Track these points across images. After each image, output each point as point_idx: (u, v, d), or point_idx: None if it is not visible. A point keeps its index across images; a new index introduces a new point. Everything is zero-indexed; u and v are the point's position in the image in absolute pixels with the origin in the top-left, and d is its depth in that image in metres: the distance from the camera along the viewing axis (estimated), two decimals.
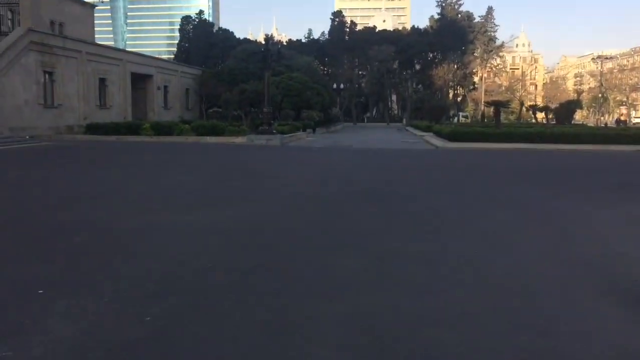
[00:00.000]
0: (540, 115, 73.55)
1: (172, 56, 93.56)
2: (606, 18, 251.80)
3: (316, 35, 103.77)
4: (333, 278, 5.64)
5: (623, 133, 29.23)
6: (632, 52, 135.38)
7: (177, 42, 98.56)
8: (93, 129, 33.15)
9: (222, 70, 60.39)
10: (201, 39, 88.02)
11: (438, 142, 31.43)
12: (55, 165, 18.95)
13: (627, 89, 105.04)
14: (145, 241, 7.28)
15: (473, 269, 6.01)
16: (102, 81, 39.36)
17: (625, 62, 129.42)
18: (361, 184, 13.70)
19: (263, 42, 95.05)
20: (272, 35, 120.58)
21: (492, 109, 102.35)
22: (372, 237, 7.70)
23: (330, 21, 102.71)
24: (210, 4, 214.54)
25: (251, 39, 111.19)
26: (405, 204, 10.74)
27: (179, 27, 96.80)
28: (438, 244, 7.27)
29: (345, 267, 6.04)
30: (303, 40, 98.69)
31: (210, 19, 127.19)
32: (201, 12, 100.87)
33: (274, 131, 31.73)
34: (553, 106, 69.71)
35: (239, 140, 31.06)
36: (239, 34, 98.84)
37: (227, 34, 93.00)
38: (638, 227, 8.96)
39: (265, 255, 6.53)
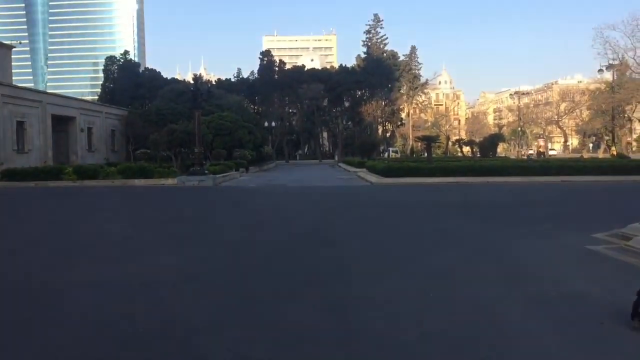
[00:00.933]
0: (466, 149, 75.99)
1: (96, 97, 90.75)
2: (520, 55, 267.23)
3: (245, 74, 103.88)
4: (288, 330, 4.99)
5: (546, 165, 30.17)
6: (545, 88, 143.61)
7: (101, 82, 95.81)
8: (10, 175, 30.97)
9: (149, 110, 58.84)
10: (127, 79, 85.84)
11: (373, 178, 31.40)
12: None
13: (543, 122, 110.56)
14: (65, 302, 6.36)
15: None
16: (20, 124, 37.25)
17: (539, 97, 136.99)
18: (303, 226, 13.10)
19: (192, 82, 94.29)
20: (200, 74, 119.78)
21: (420, 143, 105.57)
22: (324, 282, 7.10)
23: (259, 60, 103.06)
24: (136, 44, 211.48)
25: (179, 78, 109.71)
26: (352, 245, 10.23)
27: (103, 67, 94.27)
28: (400, 285, 6.75)
29: (302, 316, 5.40)
30: (232, 80, 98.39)
31: (136, 59, 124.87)
32: (126, 52, 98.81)
33: (206, 171, 30.77)
34: (477, 140, 72.13)
35: (169, 182, 29.87)
36: (167, 74, 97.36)
37: (154, 74, 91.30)
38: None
39: (207, 312, 5.79)
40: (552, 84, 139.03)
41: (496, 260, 8.69)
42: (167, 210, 17.68)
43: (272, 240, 11.04)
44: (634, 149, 78.76)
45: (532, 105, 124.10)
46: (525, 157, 69.58)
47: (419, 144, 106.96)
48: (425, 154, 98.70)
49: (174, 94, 61.07)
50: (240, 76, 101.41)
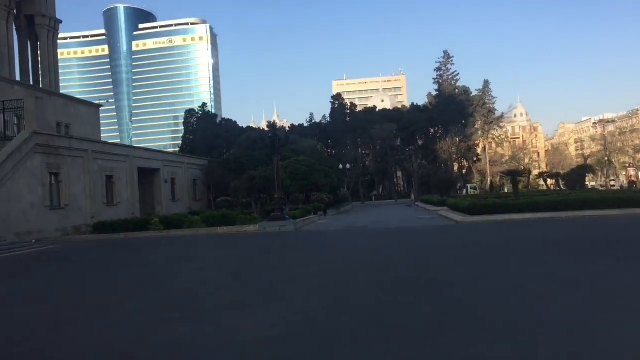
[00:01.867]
0: (550, 182, 72.83)
1: (178, 149, 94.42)
2: (598, 83, 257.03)
3: (317, 119, 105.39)
4: None
5: None
6: (630, 115, 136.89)
7: (181, 134, 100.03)
8: (100, 227, 32.21)
9: (228, 159, 60.34)
10: (205, 130, 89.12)
11: (457, 216, 30.30)
12: (62, 269, 17.81)
13: (631, 150, 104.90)
14: None
15: None
16: (109, 178, 38.90)
17: (624, 124, 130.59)
18: (397, 271, 12.49)
19: (266, 129, 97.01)
20: (274, 121, 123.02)
21: (498, 178, 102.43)
22: (436, 339, 6.48)
23: (330, 104, 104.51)
24: (212, 96, 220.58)
25: (254, 126, 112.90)
26: (458, 294, 9.52)
27: (183, 120, 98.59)
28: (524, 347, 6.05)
29: None
30: (305, 125, 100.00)
31: (213, 111, 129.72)
32: (204, 104, 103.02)
33: (287, 216, 30.75)
34: (562, 172, 69.05)
35: (251, 228, 30.04)
36: (242, 123, 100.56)
37: (230, 124, 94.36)
38: None
39: None
40: (638, 110, 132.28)
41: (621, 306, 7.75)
42: (257, 257, 17.51)
43: (373, 286, 10.49)
44: None
45: (617, 133, 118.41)
46: (619, 187, 65.92)
47: (498, 179, 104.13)
48: (505, 189, 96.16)
49: (250, 141, 62.52)
50: (313, 121, 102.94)
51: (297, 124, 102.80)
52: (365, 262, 14.44)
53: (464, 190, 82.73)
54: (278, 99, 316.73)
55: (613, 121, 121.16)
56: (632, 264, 11.55)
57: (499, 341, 6.27)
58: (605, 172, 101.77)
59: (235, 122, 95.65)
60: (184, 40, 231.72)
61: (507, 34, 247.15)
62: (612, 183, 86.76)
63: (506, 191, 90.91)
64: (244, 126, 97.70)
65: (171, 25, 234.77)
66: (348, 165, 78.80)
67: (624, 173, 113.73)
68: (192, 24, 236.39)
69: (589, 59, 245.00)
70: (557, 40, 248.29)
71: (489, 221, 26.87)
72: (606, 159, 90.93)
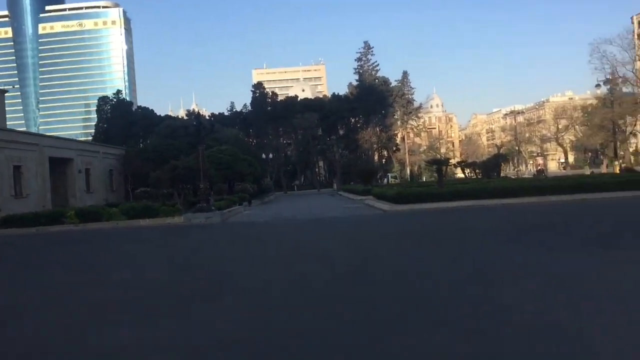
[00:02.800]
0: (467, 171, 75.34)
1: (90, 138, 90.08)
2: (508, 76, 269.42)
3: (238, 108, 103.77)
4: None
5: (563, 183, 29.43)
6: (537, 106, 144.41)
7: (94, 123, 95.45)
8: (9, 221, 29.84)
9: (146, 148, 58.10)
10: (121, 118, 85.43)
11: (384, 205, 30.50)
12: None
13: (538, 140, 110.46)
14: None
15: None
16: (17, 168, 36.27)
17: (532, 115, 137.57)
18: (339, 262, 12.11)
19: (186, 117, 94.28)
20: (193, 110, 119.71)
21: (416, 167, 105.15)
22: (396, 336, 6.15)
23: (251, 93, 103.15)
24: (127, 83, 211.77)
25: (172, 115, 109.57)
26: (402, 284, 9.28)
27: (95, 108, 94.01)
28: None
29: None
30: (226, 113, 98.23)
31: (128, 98, 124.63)
32: (119, 91, 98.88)
33: (213, 207, 29.83)
34: (478, 161, 71.68)
35: (175, 220, 28.85)
36: (159, 111, 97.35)
37: (146, 112, 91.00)
38: None
39: None
40: (544, 102, 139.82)
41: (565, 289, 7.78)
42: (185, 252, 16.66)
43: (318, 280, 10.06)
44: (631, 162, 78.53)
45: (525, 124, 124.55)
46: (532, 176, 69.26)
47: (417, 168, 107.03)
48: (424, 178, 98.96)
49: (169, 130, 60.47)
50: (234, 109, 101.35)
51: (217, 113, 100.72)
52: (302, 254, 14.01)
53: (385, 180, 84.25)
54: (197, 87, 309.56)
55: (522, 112, 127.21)
56: (553, 248, 11.82)
57: (468, 330, 6.03)
58: (515, 161, 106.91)
59: (152, 111, 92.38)
60: (96, 24, 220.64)
61: (425, 25, 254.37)
62: (522, 171, 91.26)
63: (424, 180, 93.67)
64: (162, 114, 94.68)
65: (81, 8, 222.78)
66: (271, 155, 78.08)
67: (531, 162, 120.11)
68: (104, 7, 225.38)
69: (500, 52, 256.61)
70: (470, 32, 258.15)
71: (416, 209, 27.22)
72: (517, 148, 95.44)
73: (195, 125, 29.90)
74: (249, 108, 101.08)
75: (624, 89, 63.89)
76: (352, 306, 7.75)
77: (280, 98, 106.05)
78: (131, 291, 10.14)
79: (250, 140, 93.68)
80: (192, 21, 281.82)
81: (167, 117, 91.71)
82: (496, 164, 58.89)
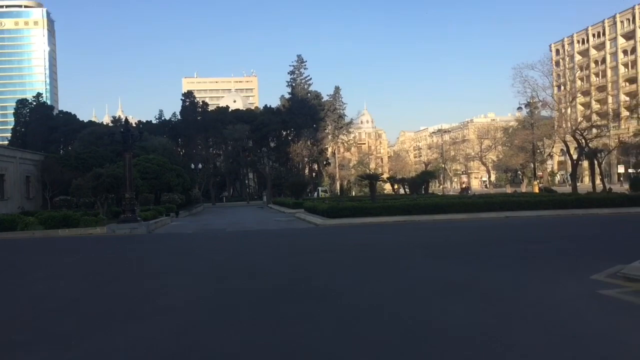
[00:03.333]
0: (395, 186, 76.61)
1: (7, 142, 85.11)
2: (436, 96, 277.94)
3: (167, 116, 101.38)
4: None
5: (490, 201, 30.29)
6: (462, 126, 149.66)
7: (11, 126, 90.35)
8: None
9: (68, 154, 55.36)
10: (40, 123, 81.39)
11: (316, 219, 30.28)
12: None
13: (461, 159, 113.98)
14: None
15: None
16: None
17: (456, 135, 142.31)
18: (272, 277, 11.65)
19: (111, 124, 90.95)
20: (119, 116, 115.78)
21: (346, 181, 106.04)
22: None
23: (181, 102, 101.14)
24: (48, 87, 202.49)
25: (96, 121, 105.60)
26: (340, 300, 8.97)
27: (13, 111, 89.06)
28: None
29: None
30: (154, 122, 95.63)
31: (49, 102, 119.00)
32: (39, 94, 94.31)
33: (139, 218, 28.57)
34: (407, 177, 73.09)
35: (98, 231, 27.40)
36: (83, 117, 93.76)
37: (69, 117, 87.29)
38: None
39: None
40: (468, 122, 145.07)
41: (528, 315, 7.74)
42: (106, 265, 15.66)
43: (252, 297, 9.57)
44: (548, 182, 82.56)
45: (450, 143, 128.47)
46: (457, 193, 71.32)
47: (346, 182, 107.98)
48: (353, 193, 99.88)
49: (94, 137, 58.02)
50: (163, 118, 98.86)
51: (145, 121, 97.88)
52: (232, 269, 13.35)
53: (315, 193, 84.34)
54: (123, 93, 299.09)
55: (448, 131, 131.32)
56: (473, 265, 11.92)
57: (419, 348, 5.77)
58: (441, 179, 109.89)
59: (74, 116, 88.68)
60: (16, 23, 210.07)
61: (358, 42, 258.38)
62: (447, 188, 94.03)
63: (354, 194, 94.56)
64: (85, 120, 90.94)
65: (1, 7, 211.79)
66: (200, 165, 76.45)
67: (456, 179, 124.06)
68: (26, 6, 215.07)
69: (428, 72, 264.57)
70: (400, 52, 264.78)
71: (348, 224, 27.14)
72: (442, 166, 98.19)
73: (123, 132, 28.60)
74: (179, 117, 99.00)
75: (544, 113, 67.38)
76: (282, 324, 7.34)
77: (211, 108, 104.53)
78: (38, 310, 9.24)
79: (179, 149, 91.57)
80: (121, 26, 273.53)
81: (91, 123, 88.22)
82: (424, 181, 60.19)
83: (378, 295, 9.17)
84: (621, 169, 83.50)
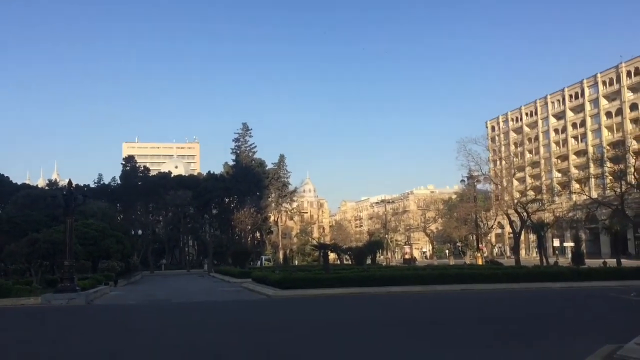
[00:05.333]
0: (333, 256, 75.90)
1: None
2: (377, 167, 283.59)
3: (106, 180, 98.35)
4: None
5: (446, 273, 30.11)
6: (402, 197, 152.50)
7: None
8: None
9: None
10: None
11: (267, 290, 29.06)
12: None
13: (402, 229, 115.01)
14: None
15: None
16: None
17: (397, 205, 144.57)
18: None
19: (47, 188, 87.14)
20: (55, 179, 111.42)
21: (288, 251, 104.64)
22: None
23: (121, 166, 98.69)
24: None
25: (30, 184, 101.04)
26: None
27: None
28: None
29: None
30: (92, 186, 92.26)
31: None
32: None
33: (77, 287, 26.56)
34: (353, 246, 72.69)
35: (31, 301, 25.17)
36: (16, 179, 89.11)
37: (1, 179, 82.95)
38: None
39: None
40: (409, 194, 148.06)
41: None
42: (39, 342, 14.03)
43: None
44: (485, 254, 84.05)
45: (391, 213, 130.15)
46: (401, 264, 71.29)
47: (288, 251, 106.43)
48: (296, 262, 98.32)
49: (29, 199, 55.21)
50: (102, 182, 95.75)
51: (82, 185, 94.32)
52: (186, 349, 12.05)
53: (259, 262, 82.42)
54: (59, 156, 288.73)
55: (391, 202, 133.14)
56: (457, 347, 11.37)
57: None
58: (384, 249, 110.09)
59: (7, 178, 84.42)
60: None
61: (301, 112, 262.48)
62: (390, 259, 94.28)
63: (297, 263, 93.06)
64: (19, 183, 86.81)
65: None
66: (140, 232, 73.63)
67: (398, 250, 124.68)
68: None
69: (368, 143, 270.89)
70: (341, 122, 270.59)
71: (302, 295, 26.11)
72: (386, 236, 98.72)
73: (65, 195, 26.97)
74: (118, 181, 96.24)
75: (481, 186, 69.80)
76: None
77: (152, 173, 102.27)
78: None
79: (118, 215, 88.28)
80: (55, 86, 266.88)
81: (26, 185, 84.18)
82: (371, 251, 59.92)
83: None
84: (556, 243, 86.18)
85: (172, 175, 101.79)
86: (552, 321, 15.75)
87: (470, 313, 18.42)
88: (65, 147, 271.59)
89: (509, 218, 55.27)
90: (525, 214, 51.00)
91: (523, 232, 57.41)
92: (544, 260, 48.71)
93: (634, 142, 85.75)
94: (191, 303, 25.54)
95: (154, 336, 14.50)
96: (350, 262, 65.57)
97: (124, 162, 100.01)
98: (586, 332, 13.03)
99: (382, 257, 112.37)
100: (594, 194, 59.65)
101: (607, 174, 70.32)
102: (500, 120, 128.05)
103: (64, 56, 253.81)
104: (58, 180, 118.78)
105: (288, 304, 23.59)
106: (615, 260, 43.29)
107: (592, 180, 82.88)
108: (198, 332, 15.10)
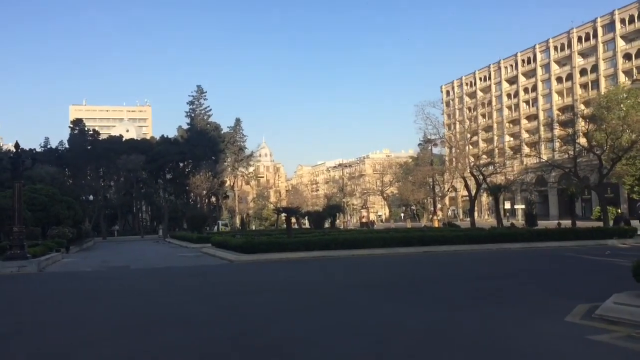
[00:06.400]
0: (294, 220, 75.82)
1: None
2: (333, 130, 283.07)
3: (53, 144, 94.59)
4: None
5: (408, 236, 30.15)
6: (358, 162, 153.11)
7: None
8: None
9: None
10: None
11: (228, 255, 28.50)
12: None
13: (358, 194, 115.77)
14: None
15: None
16: None
17: (353, 169, 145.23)
18: (214, 328, 10.04)
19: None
20: None
21: (245, 215, 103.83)
22: None
23: (69, 130, 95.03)
24: None
25: None
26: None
27: None
28: None
29: None
30: (39, 149, 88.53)
31: None
32: None
33: (28, 255, 25.34)
34: (311, 210, 72.59)
35: None
36: None
37: None
38: None
39: None
40: (364, 158, 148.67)
41: None
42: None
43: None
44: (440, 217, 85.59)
45: (347, 177, 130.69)
46: (359, 227, 71.77)
47: (245, 216, 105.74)
48: (253, 227, 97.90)
49: None
50: (49, 146, 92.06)
51: (28, 149, 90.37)
52: (160, 317, 11.35)
53: (215, 227, 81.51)
54: (1, 118, 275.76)
55: (348, 166, 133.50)
56: (427, 304, 11.19)
57: None
58: (343, 213, 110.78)
59: None
60: None
61: (257, 75, 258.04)
62: (348, 223, 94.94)
63: (254, 228, 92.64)
64: None
65: None
66: (91, 197, 71.37)
67: (355, 214, 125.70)
68: None
69: (324, 106, 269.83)
70: (296, 86, 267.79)
71: (265, 260, 25.70)
72: (343, 200, 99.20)
73: (12, 158, 25.45)
74: (67, 145, 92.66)
75: (436, 150, 70.50)
76: None
77: (102, 137, 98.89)
78: None
79: (68, 180, 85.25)
80: None
81: None
82: (331, 214, 59.91)
83: (359, 351, 7.98)
84: (507, 205, 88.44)
85: (124, 139, 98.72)
86: (523, 280, 15.81)
87: (440, 274, 18.36)
88: (7, 109, 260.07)
89: (465, 181, 55.97)
90: (481, 177, 51.68)
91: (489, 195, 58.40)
92: (500, 222, 49.72)
93: (582, 106, 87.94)
94: (151, 269, 24.75)
95: (116, 303, 13.73)
96: (308, 226, 65.54)
97: (71, 126, 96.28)
98: (560, 291, 13.04)
99: (339, 221, 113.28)
100: (544, 158, 60.93)
101: (557, 138, 72.16)
102: (455, 85, 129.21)
103: (5, 13, 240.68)
104: (1, 144, 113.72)
105: (252, 268, 23.10)
106: (569, 221, 44.48)
107: (542, 144, 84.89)
108: (162, 298, 14.39)
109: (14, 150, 27.27)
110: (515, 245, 28.98)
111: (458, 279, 16.42)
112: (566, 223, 45.91)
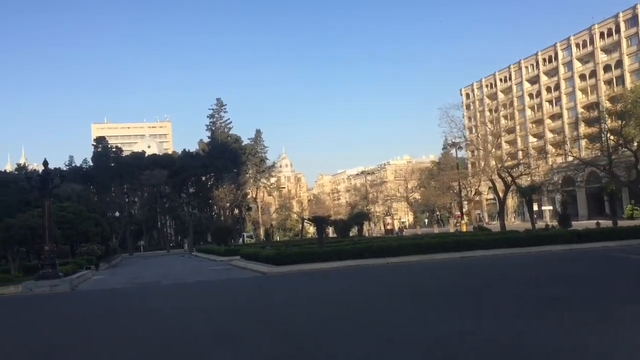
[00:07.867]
0: (313, 230, 75.15)
1: None
2: (351, 139, 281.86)
3: (77, 162, 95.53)
4: None
5: (444, 242, 29.31)
6: (379, 169, 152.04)
7: None
8: None
9: None
10: None
11: (260, 267, 27.98)
12: None
13: (380, 201, 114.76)
14: None
15: None
16: None
17: (374, 177, 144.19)
18: (263, 348, 9.47)
19: (15, 172, 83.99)
20: (24, 164, 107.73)
21: (268, 226, 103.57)
22: None
23: (92, 148, 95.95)
24: None
25: None
26: None
27: None
28: None
29: None
30: (64, 168, 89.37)
31: None
32: None
33: (60, 273, 25.08)
34: (338, 219, 71.87)
35: (11, 290, 23.73)
36: None
37: None
38: None
39: None
40: (386, 164, 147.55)
41: None
42: (26, 335, 12.70)
43: None
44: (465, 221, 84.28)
45: (369, 185, 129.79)
46: (383, 234, 70.91)
47: (268, 227, 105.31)
48: (277, 238, 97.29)
49: None
50: (73, 164, 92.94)
51: (53, 168, 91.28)
52: (196, 334, 10.90)
53: (240, 239, 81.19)
54: (26, 140, 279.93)
55: (371, 173, 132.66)
56: (504, 315, 10.42)
57: None
58: (369, 221, 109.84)
59: None
60: None
61: (276, 86, 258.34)
62: (372, 230, 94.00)
63: (278, 239, 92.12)
64: None
65: None
66: (117, 214, 71.64)
67: (380, 221, 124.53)
68: None
69: (342, 115, 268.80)
70: (315, 96, 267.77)
71: (299, 271, 25.05)
72: (367, 208, 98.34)
73: (41, 176, 25.28)
74: (90, 163, 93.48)
75: (461, 153, 69.40)
76: None
77: (124, 154, 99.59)
78: None
79: (93, 197, 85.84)
80: (18, 69, 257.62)
81: None
82: (357, 223, 59.16)
83: None
84: (535, 207, 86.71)
85: (147, 155, 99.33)
86: (581, 285, 14.92)
87: (488, 281, 17.53)
88: (32, 131, 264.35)
89: (492, 183, 54.86)
90: (510, 178, 50.57)
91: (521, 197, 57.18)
92: (533, 224, 48.49)
93: (608, 103, 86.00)
94: (183, 284, 24.30)
95: (147, 317, 13.21)
96: (333, 235, 64.86)
97: (95, 143, 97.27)
98: (631, 297, 12.19)
99: (367, 229, 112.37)
100: (574, 157, 59.58)
101: (582, 136, 70.63)
102: (475, 87, 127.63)
103: (27, 40, 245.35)
104: (27, 164, 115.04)
105: (287, 279, 22.51)
106: (603, 221, 43.17)
107: (568, 143, 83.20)
108: (193, 311, 13.84)
109: (42, 168, 27.09)
110: (556, 248, 27.94)
111: (510, 286, 15.62)
112: (593, 223, 44.54)
